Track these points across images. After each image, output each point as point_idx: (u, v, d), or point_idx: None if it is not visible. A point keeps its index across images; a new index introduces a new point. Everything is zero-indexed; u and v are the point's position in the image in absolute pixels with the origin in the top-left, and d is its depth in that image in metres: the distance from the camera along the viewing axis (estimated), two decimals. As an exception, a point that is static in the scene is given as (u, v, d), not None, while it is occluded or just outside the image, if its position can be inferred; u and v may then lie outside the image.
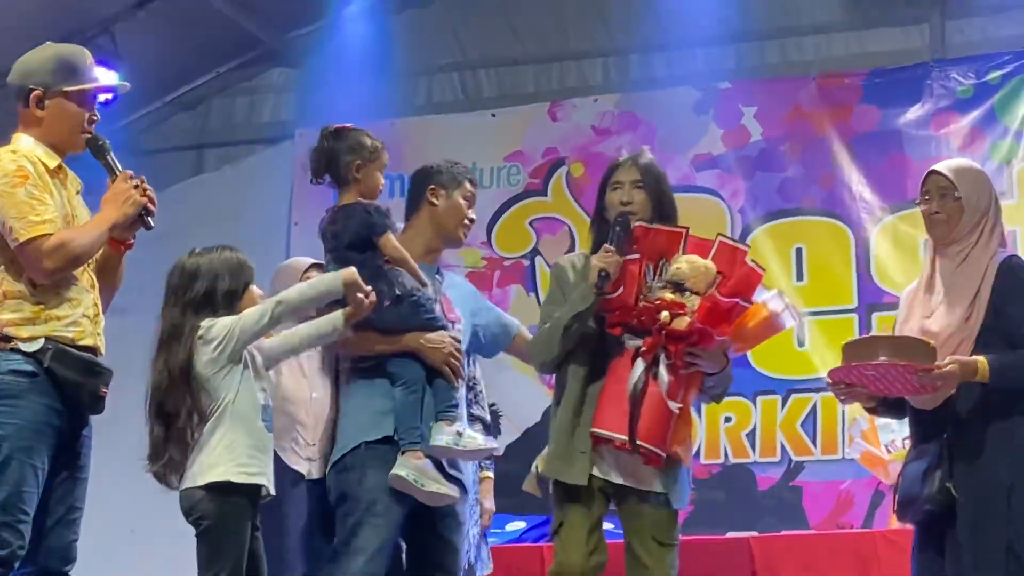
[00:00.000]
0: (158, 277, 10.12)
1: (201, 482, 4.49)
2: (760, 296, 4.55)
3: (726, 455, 8.48)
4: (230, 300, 4.71)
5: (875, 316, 8.32)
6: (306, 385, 5.62)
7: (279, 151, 9.81)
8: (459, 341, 4.86)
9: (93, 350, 4.51)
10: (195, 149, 10.32)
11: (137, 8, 9.22)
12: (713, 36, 8.96)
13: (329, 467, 4.89)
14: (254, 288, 4.81)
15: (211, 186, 10.00)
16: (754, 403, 8.45)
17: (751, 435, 8.44)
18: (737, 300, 4.43)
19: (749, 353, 8.40)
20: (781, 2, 9.13)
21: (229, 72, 10.22)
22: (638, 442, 4.37)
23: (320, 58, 9.70)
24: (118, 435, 9.46)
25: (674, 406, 4.39)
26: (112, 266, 4.72)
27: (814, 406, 8.31)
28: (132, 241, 4.65)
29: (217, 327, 4.62)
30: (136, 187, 4.48)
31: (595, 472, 4.48)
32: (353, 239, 4.87)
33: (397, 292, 4.78)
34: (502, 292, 8.96)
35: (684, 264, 4.45)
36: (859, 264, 8.46)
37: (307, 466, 5.56)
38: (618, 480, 4.51)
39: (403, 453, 4.69)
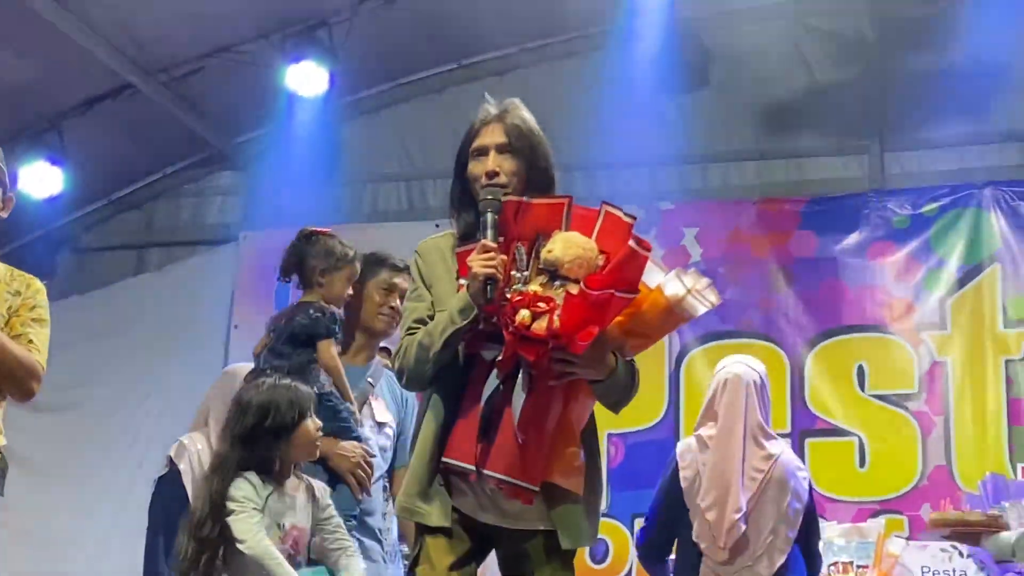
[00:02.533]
0: (96, 374, 10.15)
1: None
2: (652, 278, 3.61)
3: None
4: (277, 435, 4.61)
5: (808, 442, 8.34)
6: None
7: (222, 253, 9.81)
8: (371, 455, 4.82)
9: None
10: (138, 248, 10.30)
11: (86, 106, 9.25)
12: (657, 157, 9.09)
13: None
14: (310, 421, 4.73)
15: (152, 286, 9.96)
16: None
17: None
18: (613, 292, 3.44)
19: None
20: (724, 127, 9.28)
21: (176, 173, 10.25)
22: (485, 472, 3.51)
23: (268, 163, 9.73)
24: (47, 536, 9.36)
25: (519, 436, 3.48)
26: None
27: (746, 529, 8.29)
28: None
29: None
30: None
31: (461, 509, 3.66)
32: (294, 334, 4.89)
33: (315, 391, 4.76)
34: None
35: (557, 246, 3.51)
36: (793, 389, 8.48)
37: None
38: (488, 520, 3.67)
39: None
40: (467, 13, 9.07)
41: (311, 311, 4.91)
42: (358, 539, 4.72)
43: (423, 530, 3.69)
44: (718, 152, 9.29)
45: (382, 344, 5.44)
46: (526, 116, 3.86)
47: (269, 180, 9.70)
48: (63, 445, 9.46)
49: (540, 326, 3.43)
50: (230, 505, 4.48)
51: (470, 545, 3.67)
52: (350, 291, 5.12)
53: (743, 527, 5.22)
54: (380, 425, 5.00)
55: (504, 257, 3.54)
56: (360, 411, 4.98)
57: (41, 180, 9.16)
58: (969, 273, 8.39)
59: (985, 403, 8.15)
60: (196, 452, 5.57)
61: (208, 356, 9.10)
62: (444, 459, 3.60)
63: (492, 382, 3.54)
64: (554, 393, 3.55)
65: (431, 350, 3.62)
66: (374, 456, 4.86)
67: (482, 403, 3.54)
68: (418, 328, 3.72)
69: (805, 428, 8.37)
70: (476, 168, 3.79)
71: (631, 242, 3.48)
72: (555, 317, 3.44)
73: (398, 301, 5.07)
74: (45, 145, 9.15)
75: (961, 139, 8.79)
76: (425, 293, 3.79)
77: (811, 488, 5.50)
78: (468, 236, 3.74)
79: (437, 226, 9.36)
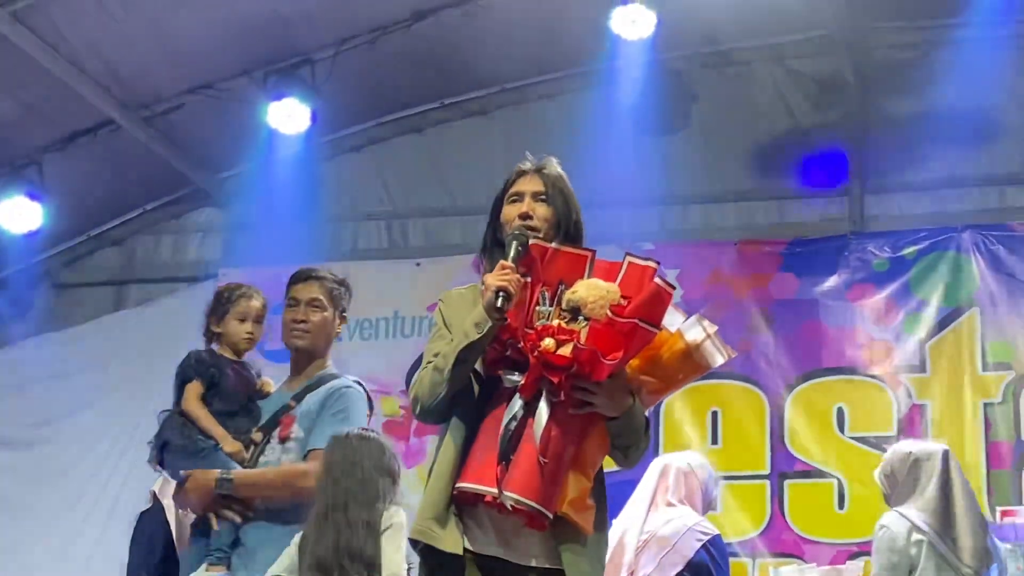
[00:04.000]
0: (73, 410, 10.09)
1: None
2: (672, 321, 3.71)
3: (635, 616, 8.41)
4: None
5: (787, 483, 8.34)
6: None
7: (201, 290, 9.73)
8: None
9: None
10: (116, 285, 10.27)
11: (67, 142, 9.23)
12: (639, 198, 9.10)
13: None
14: None
15: (130, 322, 9.93)
16: (665, 565, 8.41)
17: (661, 597, 8.38)
18: (637, 320, 3.54)
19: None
20: (706, 169, 9.30)
21: (156, 209, 10.22)
22: (506, 493, 3.52)
23: (248, 200, 9.70)
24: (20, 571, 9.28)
25: (541, 459, 3.52)
26: None
27: (726, 571, 8.28)
28: None
29: None
30: None
31: (466, 544, 3.64)
32: (176, 385, 5.02)
33: (155, 443, 4.92)
34: (419, 442, 8.90)
35: (581, 288, 3.64)
36: (773, 430, 8.49)
37: None
38: (495, 552, 3.66)
39: None
40: (449, 52, 9.09)
41: (185, 358, 5.05)
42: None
43: (432, 568, 3.69)
44: (699, 193, 9.31)
45: None
46: (562, 172, 3.99)
47: (250, 217, 9.68)
48: (37, 482, 9.40)
49: (565, 351, 3.51)
50: (391, 531, 4.56)
51: None
52: (249, 328, 5.15)
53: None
54: (283, 441, 4.89)
55: (520, 277, 3.63)
56: (271, 433, 4.93)
57: (20, 215, 9.13)
58: (948, 316, 8.42)
59: (964, 446, 8.15)
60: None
61: (185, 393, 9.05)
62: (459, 484, 3.62)
63: (512, 407, 3.58)
64: (573, 423, 3.60)
65: (444, 370, 3.67)
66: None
67: (502, 428, 3.58)
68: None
69: (784, 470, 8.38)
70: (510, 211, 3.89)
71: (657, 280, 3.61)
72: (580, 342, 3.52)
73: (304, 311, 5.03)
74: (24, 180, 9.13)
75: (940, 182, 8.84)
76: (445, 333, 3.82)
77: (710, 551, 5.89)
78: None
79: (418, 264, 9.42)
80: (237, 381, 5.08)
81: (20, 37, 8.11)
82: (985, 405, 8.22)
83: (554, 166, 4.00)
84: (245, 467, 4.83)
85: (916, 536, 5.89)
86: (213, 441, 4.86)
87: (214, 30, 8.62)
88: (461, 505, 3.66)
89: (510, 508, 3.55)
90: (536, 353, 3.53)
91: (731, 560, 7.86)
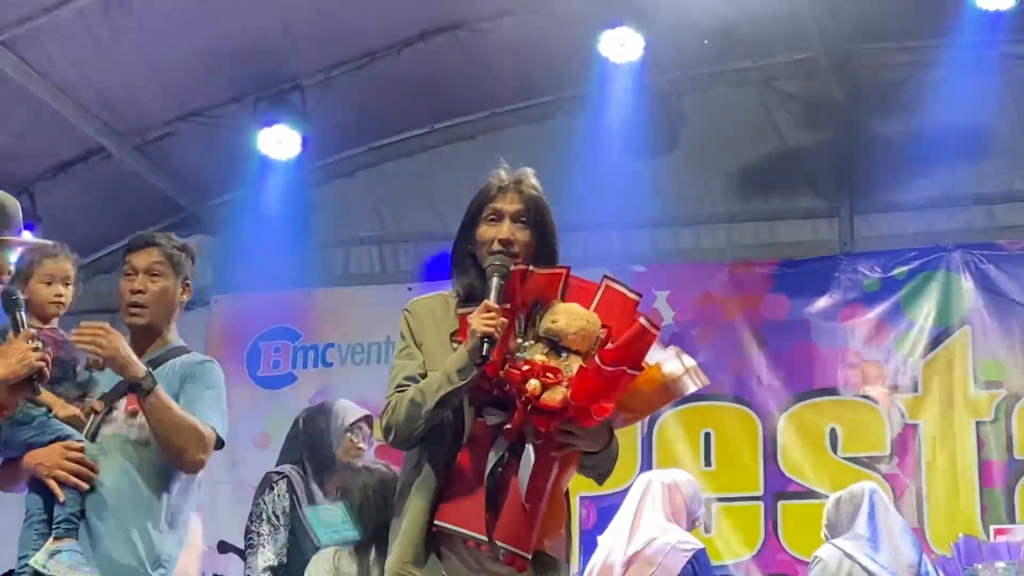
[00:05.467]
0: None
1: None
2: (653, 355, 3.64)
3: (629, 639, 8.39)
4: None
5: (780, 504, 8.34)
6: None
7: (194, 317, 9.69)
8: (78, 449, 4.43)
9: None
10: (108, 313, 10.21)
11: (58, 170, 9.23)
12: (629, 220, 9.12)
13: None
14: None
15: (122, 350, 9.88)
16: (659, 587, 8.40)
17: (655, 619, 8.36)
18: (624, 368, 3.47)
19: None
20: (695, 190, 9.32)
21: (148, 237, 10.20)
22: (498, 543, 3.51)
23: (240, 225, 9.68)
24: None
25: (527, 505, 3.50)
26: None
27: (720, 592, 8.28)
28: (6, 413, 4.14)
29: None
30: (35, 349, 4.07)
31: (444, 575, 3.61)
32: None
33: None
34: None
35: (561, 317, 3.55)
36: (766, 451, 8.49)
37: None
38: None
39: None
40: (439, 77, 9.11)
41: None
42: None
43: None
44: (689, 215, 9.33)
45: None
46: (538, 186, 3.87)
47: (241, 243, 9.67)
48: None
49: (552, 397, 3.44)
50: None
51: None
52: (57, 290, 4.86)
53: None
54: (132, 414, 4.54)
55: (505, 320, 3.52)
56: (116, 403, 4.60)
57: (12, 244, 9.12)
58: (940, 336, 8.44)
59: (957, 465, 8.17)
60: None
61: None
62: (440, 523, 3.56)
63: (498, 449, 3.53)
64: (552, 463, 3.57)
65: (423, 407, 3.56)
66: (79, 445, 4.48)
67: (487, 471, 3.52)
68: (408, 386, 3.65)
69: (778, 491, 8.37)
70: (488, 232, 3.76)
71: (642, 320, 3.52)
72: (566, 389, 3.46)
73: (142, 280, 4.77)
74: (16, 209, 9.11)
75: (930, 202, 8.86)
76: (415, 351, 3.73)
77: (695, 566, 6.07)
78: (470, 298, 3.70)
79: (410, 289, 9.37)
80: (53, 346, 4.64)
81: (10, 66, 8.12)
82: (977, 424, 8.24)
83: (530, 180, 3.88)
84: (86, 436, 4.50)
85: (847, 562, 6.30)
86: (44, 407, 4.53)
87: (204, 57, 8.63)
88: (439, 537, 3.60)
89: (500, 559, 3.55)
90: (523, 398, 3.45)
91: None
